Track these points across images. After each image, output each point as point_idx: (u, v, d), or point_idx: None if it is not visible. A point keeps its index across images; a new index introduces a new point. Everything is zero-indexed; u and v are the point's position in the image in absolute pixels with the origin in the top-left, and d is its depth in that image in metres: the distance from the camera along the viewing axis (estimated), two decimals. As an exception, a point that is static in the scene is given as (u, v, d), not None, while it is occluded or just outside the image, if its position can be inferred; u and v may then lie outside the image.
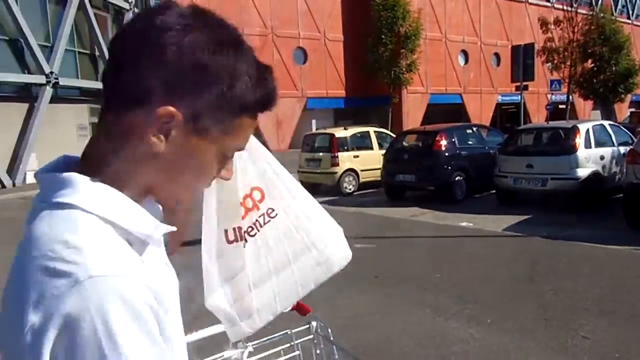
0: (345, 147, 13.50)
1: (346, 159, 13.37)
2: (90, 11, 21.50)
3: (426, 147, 11.80)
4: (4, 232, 9.97)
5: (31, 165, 18.77)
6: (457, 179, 11.34)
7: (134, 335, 0.63)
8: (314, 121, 36.17)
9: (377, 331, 4.56)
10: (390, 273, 6.30)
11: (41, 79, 18.88)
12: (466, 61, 41.19)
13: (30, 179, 18.71)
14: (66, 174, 0.75)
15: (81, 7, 20.85)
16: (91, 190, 0.73)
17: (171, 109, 0.72)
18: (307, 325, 1.77)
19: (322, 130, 14.92)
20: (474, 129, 13.32)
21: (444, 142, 11.44)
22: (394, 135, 14.41)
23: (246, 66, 0.78)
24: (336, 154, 13.18)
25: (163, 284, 0.76)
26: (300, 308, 1.83)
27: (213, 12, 0.79)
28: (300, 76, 36.25)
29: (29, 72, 18.99)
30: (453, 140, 11.69)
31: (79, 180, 0.73)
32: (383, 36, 26.32)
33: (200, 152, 0.78)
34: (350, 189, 13.41)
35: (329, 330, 1.73)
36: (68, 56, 20.48)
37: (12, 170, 18.33)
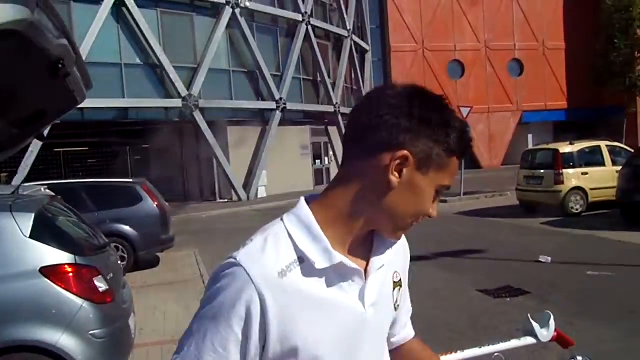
0: (572, 164, 12.30)
1: (572, 176, 12.16)
2: (314, 41, 23.49)
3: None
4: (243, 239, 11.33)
5: (262, 181, 21.12)
6: None
7: (215, 302, 0.95)
8: (530, 136, 33.85)
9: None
10: (636, 307, 5.47)
11: (272, 105, 21.20)
12: None
13: (262, 193, 21.06)
14: (302, 197, 1.04)
15: (307, 38, 22.92)
16: (298, 212, 1.00)
17: (406, 152, 0.95)
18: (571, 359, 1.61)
19: (545, 146, 13.83)
20: None
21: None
22: (632, 150, 12.65)
23: (454, 121, 1.00)
24: (561, 171, 12.08)
25: (297, 305, 0.94)
26: (561, 340, 1.68)
27: (421, 86, 1.03)
28: (515, 89, 34.35)
29: (262, 99, 21.47)
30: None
31: (301, 202, 1.02)
32: (616, 40, 23.43)
33: (421, 189, 0.99)
34: (577, 209, 12.14)
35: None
36: (294, 83, 22.64)
37: (247, 185, 20.83)
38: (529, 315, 1.72)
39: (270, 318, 0.91)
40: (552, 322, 1.68)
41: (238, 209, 18.08)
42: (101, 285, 3.54)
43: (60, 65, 1.25)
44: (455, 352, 1.58)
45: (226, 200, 20.61)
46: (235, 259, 0.94)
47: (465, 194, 16.97)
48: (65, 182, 10.40)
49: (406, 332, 1.29)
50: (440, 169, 0.98)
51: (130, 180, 9.74)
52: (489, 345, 1.65)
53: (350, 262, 0.98)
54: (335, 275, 0.98)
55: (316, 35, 23.83)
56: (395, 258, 1.12)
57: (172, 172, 20.25)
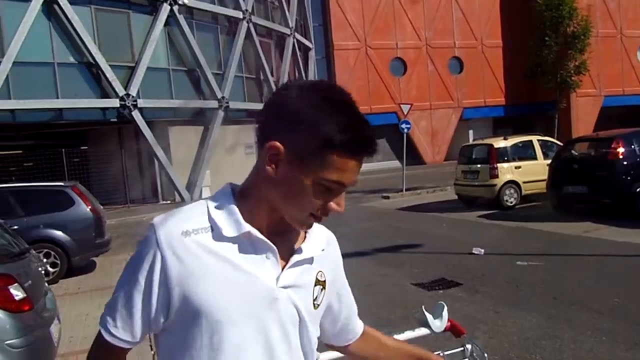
0: (506, 158, 12.77)
1: (506, 171, 12.63)
2: (256, 39, 23.32)
3: (601, 156, 10.65)
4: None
5: (206, 181, 20.80)
6: (638, 190, 10.04)
7: (132, 258, 1.08)
8: (471, 131, 34.92)
9: (544, 358, 4.18)
10: (559, 294, 5.76)
11: (214, 104, 20.90)
12: (647, 57, 36.62)
13: (205, 193, 20.74)
14: (226, 184, 1.16)
15: (248, 36, 22.72)
16: (220, 191, 1.13)
17: (277, 143, 1.01)
18: (462, 348, 1.67)
19: (480, 141, 14.29)
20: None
21: (621, 150, 10.24)
22: (561, 144, 13.28)
23: (337, 116, 1.00)
24: (495, 165, 12.52)
25: (201, 265, 1.02)
26: (454, 329, 1.74)
27: (329, 83, 1.08)
28: (456, 86, 35.30)
29: (204, 98, 21.14)
30: (633, 147, 10.40)
31: (225, 185, 1.15)
32: (547, 38, 24.41)
33: (299, 181, 1.02)
34: (511, 202, 12.63)
35: (485, 355, 1.61)
36: (237, 81, 22.40)
37: (190, 185, 20.48)
38: (422, 307, 1.77)
39: (172, 275, 1.02)
40: (445, 312, 1.74)
41: (181, 210, 17.74)
42: (18, 293, 3.40)
43: None
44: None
45: (169, 202, 20.18)
46: (152, 222, 1.07)
47: (407, 189, 17.33)
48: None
49: (355, 331, 1.38)
50: (323, 164, 1.00)
51: (61, 183, 9.37)
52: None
53: (261, 235, 1.06)
54: (248, 247, 1.06)
55: (258, 33, 23.66)
56: (324, 258, 1.18)
57: (112, 174, 19.60)
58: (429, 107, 33.92)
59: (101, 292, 7.51)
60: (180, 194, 19.95)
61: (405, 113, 17.47)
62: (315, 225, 1.15)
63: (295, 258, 1.11)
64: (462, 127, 35.11)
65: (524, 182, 12.67)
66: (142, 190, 21.23)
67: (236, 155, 22.52)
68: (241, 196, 1.11)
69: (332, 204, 1.06)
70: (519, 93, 34.80)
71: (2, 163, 20.06)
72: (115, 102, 17.97)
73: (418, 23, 34.20)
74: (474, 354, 1.67)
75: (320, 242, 1.18)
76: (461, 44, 35.21)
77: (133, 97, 18.17)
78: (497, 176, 12.49)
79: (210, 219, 1.06)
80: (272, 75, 24.86)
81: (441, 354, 1.62)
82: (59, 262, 8.32)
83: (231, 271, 1.04)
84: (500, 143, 12.94)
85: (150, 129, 18.78)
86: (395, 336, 1.70)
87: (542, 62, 24.80)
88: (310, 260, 1.14)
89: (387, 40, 33.52)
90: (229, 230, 1.05)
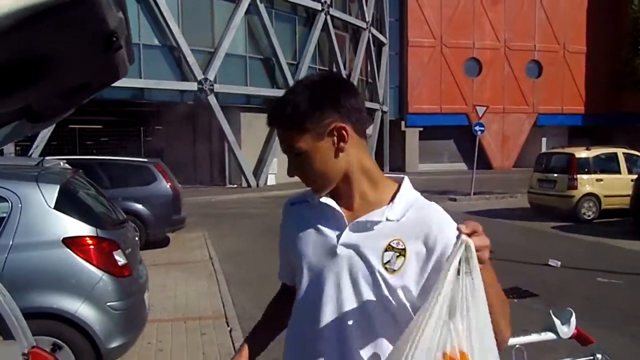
0: (587, 169, 12.22)
1: (586, 182, 12.09)
2: (332, 31, 23.40)
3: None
4: (257, 225, 11.48)
5: (273, 168, 21.17)
6: None
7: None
8: (544, 139, 33.61)
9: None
10: (644, 315, 5.47)
11: (287, 93, 21.17)
12: None
13: (271, 181, 21.13)
14: None
15: (325, 28, 22.84)
16: None
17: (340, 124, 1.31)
18: (591, 357, 1.63)
19: (560, 149, 13.74)
20: None
21: None
22: (649, 159, 12.57)
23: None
24: (575, 176, 12.01)
25: (297, 223, 1.38)
26: (581, 337, 1.70)
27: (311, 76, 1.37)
28: (533, 90, 34.04)
29: (277, 87, 21.46)
30: None
31: None
32: (640, 46, 23.11)
33: None
34: (589, 216, 12.08)
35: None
36: (310, 72, 22.55)
37: (257, 172, 20.90)
38: (550, 311, 1.74)
39: (285, 226, 1.45)
40: (573, 319, 1.71)
41: (247, 195, 18.17)
42: (120, 259, 3.61)
43: (114, 39, 1.26)
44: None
45: (235, 186, 20.70)
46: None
47: (475, 193, 16.93)
48: (82, 157, 10.51)
49: None
50: None
51: (145, 159, 9.82)
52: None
53: (332, 202, 1.30)
54: (324, 211, 1.32)
55: (334, 25, 23.74)
56: (406, 228, 1.26)
57: (183, 155, 20.32)
58: (501, 110, 32.92)
59: (175, 266, 7.84)
60: (247, 179, 20.40)
61: (480, 115, 17.04)
62: (404, 200, 1.29)
63: (362, 219, 1.28)
64: (535, 133, 33.86)
65: (605, 196, 12.08)
66: (211, 173, 21.89)
67: (304, 145, 22.70)
68: None
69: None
70: (600, 103, 33.18)
71: (82, 137, 21.21)
72: (193, 86, 18.58)
73: (498, 23, 33.17)
74: (603, 365, 1.63)
75: (391, 212, 1.28)
76: (542, 47, 33.87)
77: (210, 81, 18.72)
78: (576, 187, 11.98)
79: (307, 195, 1.39)
80: (345, 68, 24.90)
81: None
82: (138, 234, 8.72)
83: (310, 227, 1.34)
84: (582, 153, 12.39)
85: (224, 114, 19.29)
86: (520, 338, 1.69)
87: (634, 72, 23.44)
88: (370, 226, 1.27)
89: (463, 39, 32.74)
90: (312, 201, 1.36)
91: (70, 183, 3.82)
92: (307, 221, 1.35)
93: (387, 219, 1.27)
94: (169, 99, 19.39)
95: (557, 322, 1.70)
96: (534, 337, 1.71)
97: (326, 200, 1.30)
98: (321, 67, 23.76)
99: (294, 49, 22.39)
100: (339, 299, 1.27)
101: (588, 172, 12.19)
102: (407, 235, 1.26)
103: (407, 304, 1.26)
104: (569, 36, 33.91)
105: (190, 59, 18.37)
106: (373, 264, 1.25)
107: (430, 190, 18.35)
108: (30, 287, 3.26)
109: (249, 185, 20.33)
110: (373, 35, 27.97)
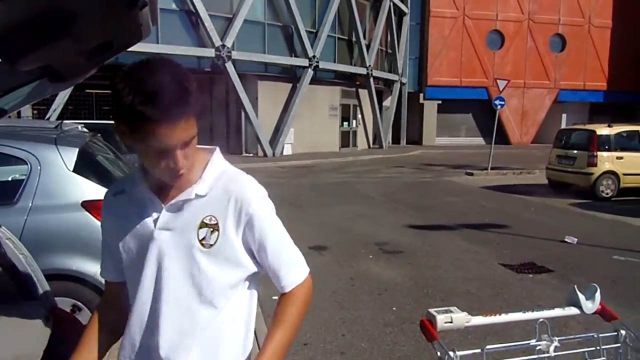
0: (607, 147, 12.01)
1: (606, 160, 11.89)
2: (353, 0, 22.97)
3: None
4: (273, 194, 11.43)
5: (289, 138, 21.13)
6: None
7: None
8: (564, 115, 33.09)
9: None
10: (661, 295, 5.42)
11: (305, 62, 20.97)
12: None
13: (287, 151, 21.12)
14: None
15: (345, -5, 22.42)
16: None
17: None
18: (615, 333, 1.61)
19: (581, 126, 13.48)
20: None
21: None
22: (671, 138, 12.29)
23: (135, 83, 1.21)
24: (595, 153, 11.82)
25: (119, 213, 1.38)
26: (605, 313, 1.67)
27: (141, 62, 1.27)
28: (555, 65, 33.32)
29: (295, 56, 21.24)
30: None
31: None
32: (667, 21, 22.38)
33: (137, 148, 1.24)
34: (607, 194, 11.92)
35: (643, 343, 1.54)
36: (329, 41, 22.30)
37: (273, 141, 20.87)
38: (575, 286, 1.72)
39: (106, 221, 1.44)
40: (597, 295, 1.68)
41: (263, 164, 18.19)
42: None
43: (139, -5, 1.23)
44: (500, 314, 1.59)
45: (251, 155, 20.73)
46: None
47: (492, 168, 16.78)
48: (99, 122, 10.54)
49: (280, 284, 1.40)
50: (137, 135, 1.20)
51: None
52: (533, 311, 1.66)
53: (147, 191, 1.33)
54: (142, 199, 1.34)
55: (355, -7, 23.30)
56: (215, 204, 1.33)
57: (199, 123, 20.29)
58: (522, 85, 32.33)
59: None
60: (263, 149, 20.40)
61: (501, 89, 16.74)
62: (212, 173, 1.36)
63: (173, 202, 1.32)
64: (555, 109, 33.29)
65: (624, 174, 11.90)
66: (227, 141, 21.90)
67: (320, 115, 22.64)
68: None
69: (170, 163, 1.25)
70: (623, 79, 32.43)
71: (99, 102, 21.26)
72: (210, 52, 18.44)
73: (523, -5, 32.33)
74: (627, 340, 1.61)
75: (199, 187, 1.33)
76: (566, 20, 33.00)
77: (228, 48, 18.56)
78: (595, 165, 11.80)
79: (126, 184, 1.42)
80: (364, 38, 24.51)
81: (595, 336, 1.57)
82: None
83: (130, 216, 1.35)
84: (603, 130, 12.15)
85: (241, 82, 19.17)
86: (544, 312, 1.67)
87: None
88: (182, 205, 1.32)
89: (487, 10, 31.98)
90: (129, 190, 1.39)
91: (89, 146, 3.82)
92: (125, 212, 1.36)
93: (196, 195, 1.32)
94: (186, 65, 19.12)
95: (581, 297, 1.68)
96: (557, 312, 1.69)
97: (141, 187, 1.35)
98: (340, 36, 23.42)
99: (314, 16, 22.05)
100: (159, 280, 1.32)
101: (608, 150, 11.98)
102: (217, 208, 1.32)
103: (231, 274, 1.34)
104: (595, 9, 32.97)
105: (208, 24, 18.18)
106: (190, 242, 1.31)
107: (447, 164, 18.25)
108: (50, 249, 3.29)
109: (265, 155, 20.34)
110: (394, 4, 27.42)
